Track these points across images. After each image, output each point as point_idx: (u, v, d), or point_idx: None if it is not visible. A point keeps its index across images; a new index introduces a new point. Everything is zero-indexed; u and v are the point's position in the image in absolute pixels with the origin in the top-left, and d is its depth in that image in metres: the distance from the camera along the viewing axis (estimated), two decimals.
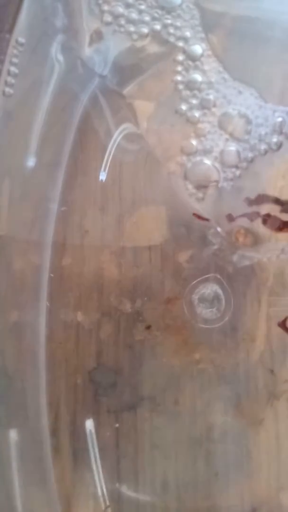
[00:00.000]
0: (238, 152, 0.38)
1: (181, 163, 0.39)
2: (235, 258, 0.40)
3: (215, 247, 0.40)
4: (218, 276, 0.40)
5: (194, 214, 0.39)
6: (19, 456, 0.39)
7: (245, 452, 0.40)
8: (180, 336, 0.40)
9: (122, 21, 0.38)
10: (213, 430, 0.40)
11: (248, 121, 0.38)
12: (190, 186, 0.39)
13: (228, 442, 0.40)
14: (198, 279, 0.40)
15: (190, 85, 0.38)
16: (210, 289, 0.40)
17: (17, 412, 0.40)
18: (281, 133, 0.38)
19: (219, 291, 0.40)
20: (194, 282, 0.40)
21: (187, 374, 0.41)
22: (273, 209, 0.39)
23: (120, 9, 0.38)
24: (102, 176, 0.41)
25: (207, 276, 0.40)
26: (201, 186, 0.39)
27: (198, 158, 0.39)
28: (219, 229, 0.39)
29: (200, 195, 0.39)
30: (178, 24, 0.38)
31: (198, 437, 0.41)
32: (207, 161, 0.39)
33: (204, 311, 0.40)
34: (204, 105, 0.38)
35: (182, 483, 0.40)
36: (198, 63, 0.38)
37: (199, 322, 0.40)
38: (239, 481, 0.40)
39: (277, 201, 0.39)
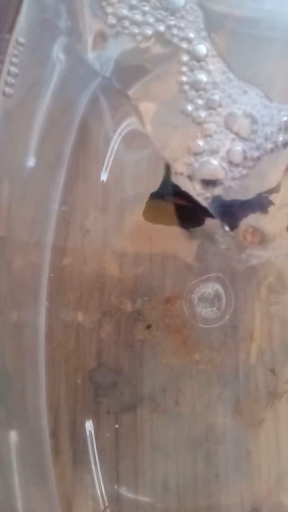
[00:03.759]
0: (244, 152, 0.38)
1: (188, 163, 0.39)
2: (243, 256, 0.40)
3: (223, 246, 0.40)
4: (219, 275, 0.40)
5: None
6: (19, 457, 0.39)
7: (245, 452, 0.40)
8: (180, 335, 0.40)
9: (126, 23, 0.38)
10: (213, 431, 0.41)
11: (254, 121, 0.38)
12: (197, 186, 0.39)
13: (228, 442, 0.41)
14: (198, 279, 0.40)
15: (196, 86, 0.38)
16: (211, 288, 0.40)
17: (17, 413, 0.40)
18: (287, 131, 0.38)
19: (220, 290, 0.40)
20: (194, 281, 0.40)
21: (187, 374, 0.41)
22: None
23: (124, 11, 0.38)
24: (103, 176, 0.41)
25: (207, 275, 0.40)
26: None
27: (205, 158, 0.39)
28: (227, 228, 0.39)
29: (208, 194, 0.39)
30: (182, 25, 0.38)
31: (198, 438, 0.41)
32: (214, 161, 0.39)
33: (204, 311, 0.40)
34: (209, 105, 0.38)
35: (182, 484, 0.40)
36: (203, 63, 0.38)
37: (199, 322, 0.40)
38: (239, 481, 0.40)
39: None
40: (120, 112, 0.40)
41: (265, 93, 0.38)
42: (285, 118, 0.38)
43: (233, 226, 0.39)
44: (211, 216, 0.39)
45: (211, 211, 0.39)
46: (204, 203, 0.39)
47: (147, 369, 0.41)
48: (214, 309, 0.40)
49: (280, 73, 0.39)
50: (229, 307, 0.40)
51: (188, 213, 0.40)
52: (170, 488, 0.40)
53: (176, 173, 0.39)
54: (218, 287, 0.40)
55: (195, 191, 0.39)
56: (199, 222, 0.40)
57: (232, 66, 0.38)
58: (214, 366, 0.41)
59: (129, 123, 0.40)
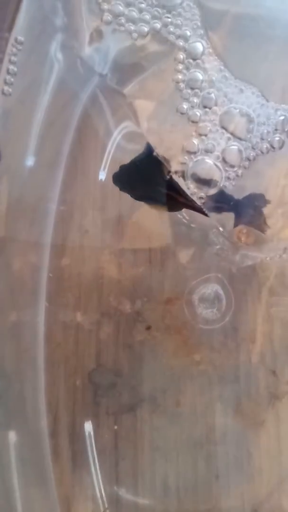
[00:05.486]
0: (240, 151, 0.38)
1: (182, 162, 0.39)
2: (237, 257, 0.39)
3: (218, 246, 0.39)
4: (219, 276, 0.40)
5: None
6: (18, 457, 0.39)
7: (246, 453, 0.40)
8: (180, 336, 0.40)
9: (122, 20, 0.38)
10: (213, 432, 0.40)
11: (250, 120, 0.38)
12: (191, 185, 0.39)
13: (229, 443, 0.40)
14: (198, 279, 0.40)
15: (191, 84, 0.38)
16: (211, 289, 0.40)
17: (16, 414, 0.40)
18: (283, 131, 0.38)
19: (220, 291, 0.40)
20: (194, 282, 0.40)
21: (187, 375, 0.40)
22: None
23: (120, 8, 0.38)
24: (102, 176, 0.41)
25: (207, 276, 0.40)
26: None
27: (199, 157, 0.39)
28: (221, 228, 0.39)
29: (202, 194, 0.39)
30: (179, 22, 0.38)
31: (199, 439, 0.40)
32: (209, 160, 0.38)
33: (205, 312, 0.40)
34: (205, 104, 0.38)
35: (183, 485, 0.40)
36: (199, 61, 0.38)
37: (199, 323, 0.40)
38: (240, 483, 0.40)
39: None
40: (119, 111, 0.40)
41: (261, 92, 0.38)
42: (281, 118, 0.38)
43: (227, 226, 0.39)
44: (205, 215, 0.39)
45: (205, 210, 0.39)
46: (198, 203, 0.39)
47: (147, 370, 0.41)
48: (214, 310, 0.40)
49: (279, 72, 0.39)
50: (229, 309, 0.40)
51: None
52: (170, 490, 0.40)
53: (170, 171, 0.39)
54: (217, 288, 0.40)
55: (189, 190, 0.39)
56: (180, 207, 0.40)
57: (229, 65, 0.38)
58: (215, 367, 0.40)
59: (128, 123, 0.40)
